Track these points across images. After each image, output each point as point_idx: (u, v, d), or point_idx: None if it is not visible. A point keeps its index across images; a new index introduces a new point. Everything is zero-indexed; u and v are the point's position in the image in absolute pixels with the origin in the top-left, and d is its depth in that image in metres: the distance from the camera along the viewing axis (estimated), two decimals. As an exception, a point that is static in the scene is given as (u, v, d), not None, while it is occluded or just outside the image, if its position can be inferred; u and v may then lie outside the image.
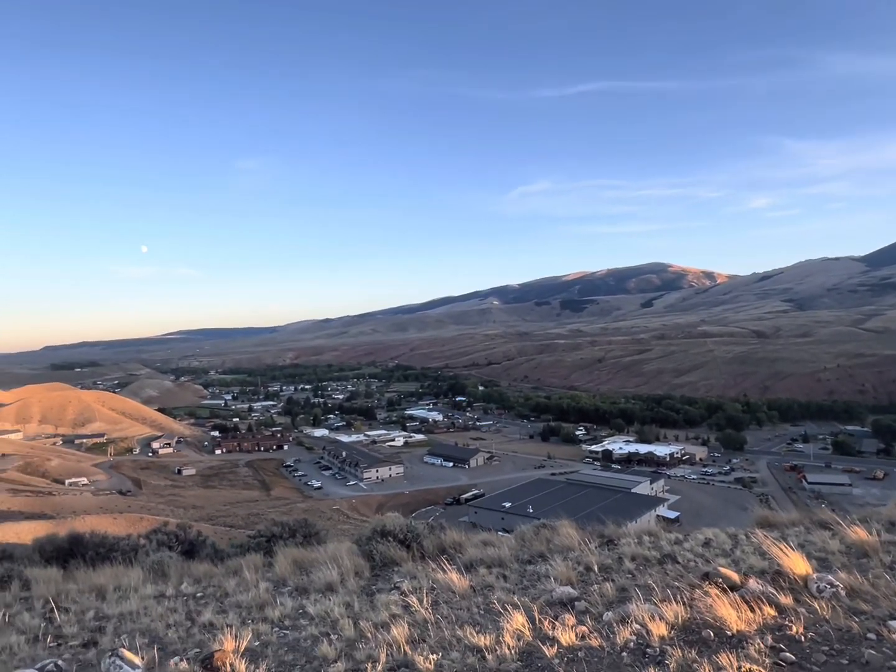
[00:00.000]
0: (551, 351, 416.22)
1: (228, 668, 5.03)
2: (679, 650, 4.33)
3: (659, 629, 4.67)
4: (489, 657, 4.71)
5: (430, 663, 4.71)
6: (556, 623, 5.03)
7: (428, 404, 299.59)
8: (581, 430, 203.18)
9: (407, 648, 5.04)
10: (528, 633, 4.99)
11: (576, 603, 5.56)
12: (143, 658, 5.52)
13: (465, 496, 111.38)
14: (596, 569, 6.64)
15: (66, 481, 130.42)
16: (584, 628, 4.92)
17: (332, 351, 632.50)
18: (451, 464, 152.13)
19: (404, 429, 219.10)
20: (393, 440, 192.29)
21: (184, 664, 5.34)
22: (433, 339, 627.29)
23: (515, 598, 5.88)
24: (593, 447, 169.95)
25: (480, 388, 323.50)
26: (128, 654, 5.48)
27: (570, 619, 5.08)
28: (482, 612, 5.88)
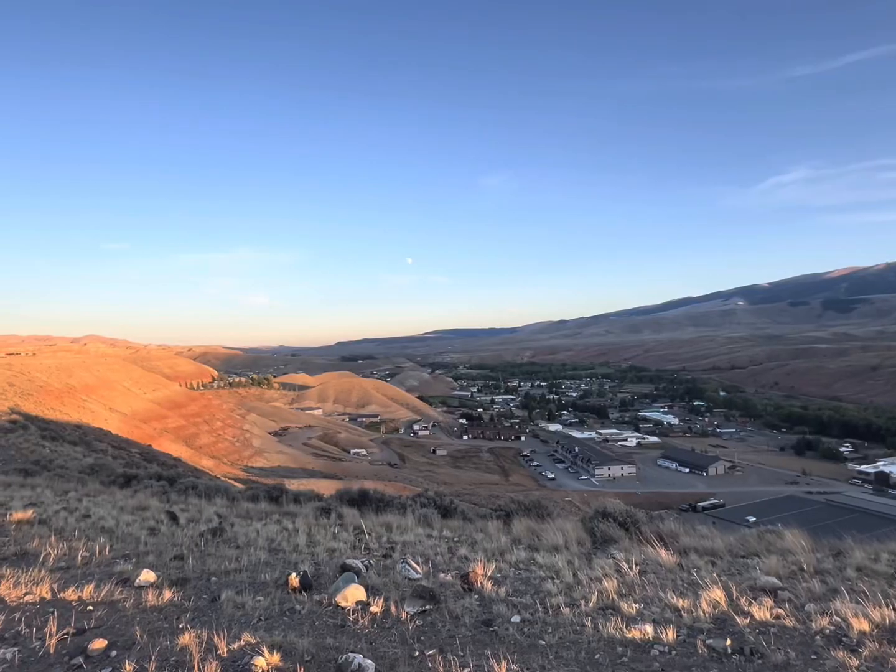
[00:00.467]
0: (809, 356, 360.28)
1: (479, 584, 6.95)
2: (877, 644, 4.56)
3: (861, 625, 4.89)
4: (685, 615, 5.60)
5: (633, 610, 5.83)
6: (754, 602, 5.59)
7: (662, 407, 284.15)
8: (847, 446, 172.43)
9: (614, 596, 6.24)
10: (723, 604, 5.69)
11: (779, 592, 5.92)
12: (421, 569, 7.87)
13: (702, 504, 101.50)
14: (811, 570, 6.67)
15: (351, 451, 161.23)
16: (780, 611, 5.39)
17: (567, 351, 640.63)
18: (686, 469, 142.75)
19: (637, 430, 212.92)
20: (625, 440, 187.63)
21: (449, 577, 7.48)
22: (669, 341, 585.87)
23: (718, 579, 6.48)
24: (863, 467, 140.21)
25: (721, 393, 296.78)
26: (413, 563, 7.97)
27: (768, 601, 5.58)
28: (685, 584, 6.68)
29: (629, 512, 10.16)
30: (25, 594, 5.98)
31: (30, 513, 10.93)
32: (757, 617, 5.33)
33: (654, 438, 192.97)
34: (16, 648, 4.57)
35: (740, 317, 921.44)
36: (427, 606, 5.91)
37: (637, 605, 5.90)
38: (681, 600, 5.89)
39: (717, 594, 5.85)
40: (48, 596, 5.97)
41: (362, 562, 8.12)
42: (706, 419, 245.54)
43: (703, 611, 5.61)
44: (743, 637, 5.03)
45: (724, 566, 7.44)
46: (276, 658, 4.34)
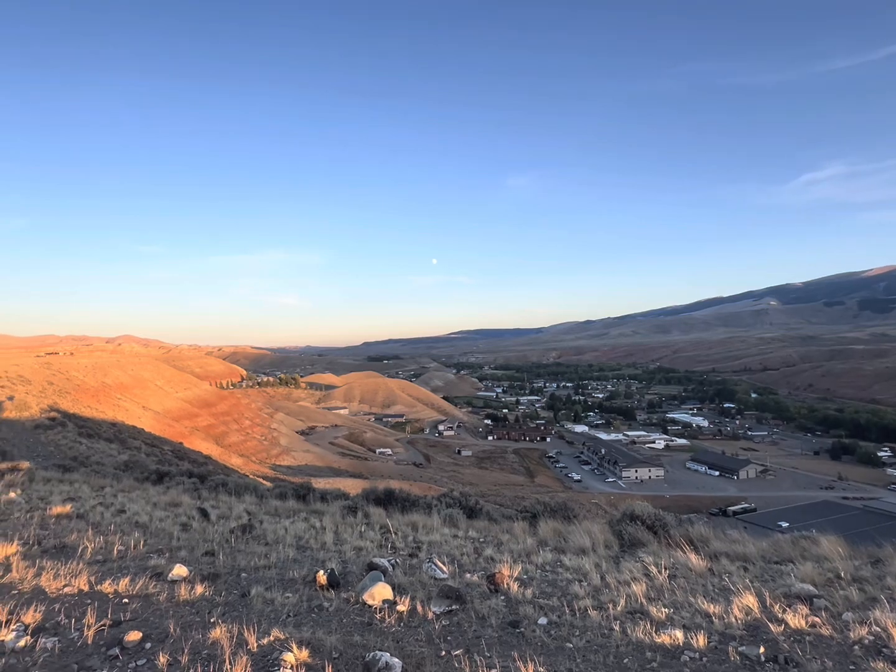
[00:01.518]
0: (845, 357, 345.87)
1: (505, 585, 6.92)
2: (921, 656, 4.37)
3: (903, 635, 4.69)
4: (716, 622, 5.47)
5: (662, 615, 5.72)
6: (788, 609, 5.42)
7: (691, 409, 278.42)
8: (886, 451, 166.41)
9: (643, 600, 6.13)
10: (756, 610, 5.53)
11: (814, 600, 5.73)
12: (447, 569, 7.88)
13: (732, 508, 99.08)
14: (849, 577, 6.43)
15: (377, 450, 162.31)
16: (816, 619, 5.21)
17: (593, 351, 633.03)
18: (716, 472, 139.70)
19: (665, 432, 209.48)
20: (653, 442, 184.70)
21: (475, 577, 7.47)
22: (698, 342, 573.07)
23: (751, 584, 6.32)
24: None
25: (753, 395, 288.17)
26: (439, 563, 7.98)
27: (803, 609, 5.40)
28: (716, 589, 6.52)
29: (658, 515, 9.97)
30: (65, 586, 6.21)
31: (68, 507, 11.35)
32: (791, 625, 5.17)
33: (682, 441, 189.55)
34: (56, 638, 4.75)
35: (773, 317, 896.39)
36: (453, 606, 5.92)
37: (666, 610, 5.79)
38: (712, 606, 5.75)
39: (750, 600, 5.70)
40: (86, 588, 6.18)
41: (389, 561, 8.16)
42: (737, 422, 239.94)
43: (736, 617, 5.47)
44: (777, 645, 4.89)
45: (757, 572, 7.24)
46: (304, 654, 4.41)
